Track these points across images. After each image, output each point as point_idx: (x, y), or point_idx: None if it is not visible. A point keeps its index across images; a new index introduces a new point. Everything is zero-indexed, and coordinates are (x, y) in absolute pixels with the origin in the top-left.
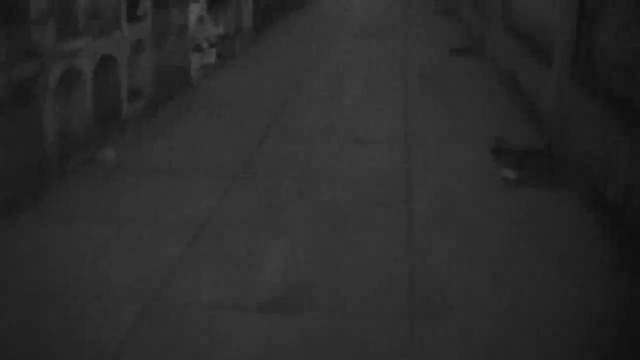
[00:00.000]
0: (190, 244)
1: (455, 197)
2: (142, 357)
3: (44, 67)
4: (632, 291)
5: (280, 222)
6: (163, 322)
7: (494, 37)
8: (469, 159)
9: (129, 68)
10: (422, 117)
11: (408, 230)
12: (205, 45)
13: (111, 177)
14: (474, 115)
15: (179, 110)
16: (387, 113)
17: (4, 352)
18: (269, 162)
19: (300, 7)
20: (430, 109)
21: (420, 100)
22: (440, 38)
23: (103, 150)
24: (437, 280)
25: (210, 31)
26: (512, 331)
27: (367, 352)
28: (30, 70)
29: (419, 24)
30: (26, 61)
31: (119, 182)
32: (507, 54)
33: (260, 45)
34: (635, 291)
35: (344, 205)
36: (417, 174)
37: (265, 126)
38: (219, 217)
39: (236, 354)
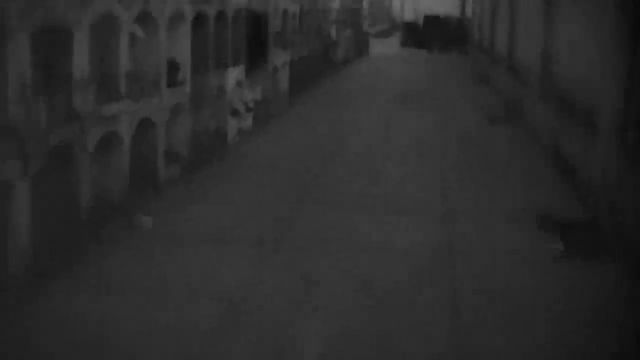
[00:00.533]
0: (227, 317)
1: (501, 272)
2: None
3: (84, 130)
4: None
5: (320, 297)
6: None
7: (531, 104)
8: (513, 232)
9: (166, 132)
10: (462, 187)
11: (452, 310)
12: (242, 109)
13: (147, 244)
14: (515, 186)
15: (215, 174)
16: (427, 182)
17: None
18: (306, 231)
19: (335, 72)
20: (469, 178)
21: (459, 169)
22: (476, 105)
23: (139, 216)
24: None
25: (247, 95)
26: None
27: None
28: (69, 134)
29: (453, 91)
30: (66, 125)
31: (155, 249)
32: (547, 121)
33: (295, 109)
34: None
35: (385, 281)
36: (460, 247)
37: (301, 193)
38: (256, 289)
39: None
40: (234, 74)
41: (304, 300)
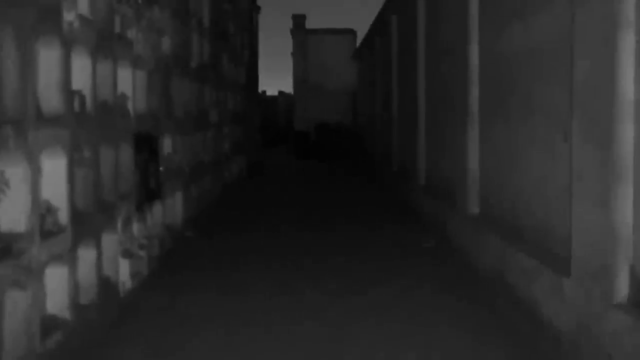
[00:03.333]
0: None
1: None
2: None
3: None
4: None
5: None
6: None
7: (463, 228)
8: None
9: (41, 294)
10: None
11: None
12: (135, 248)
13: None
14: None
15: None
16: None
17: None
18: None
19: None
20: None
21: None
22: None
23: None
24: None
25: (140, 232)
26: None
27: None
28: None
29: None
30: None
31: None
32: (487, 249)
33: (199, 247)
34: None
35: None
36: None
37: None
38: None
39: None
40: (124, 211)
41: None
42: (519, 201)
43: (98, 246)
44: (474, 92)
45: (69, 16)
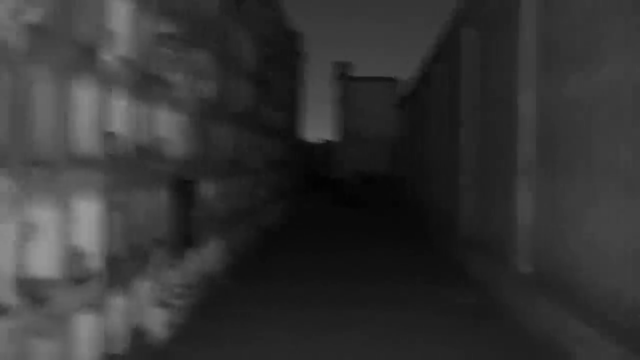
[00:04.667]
0: None
1: None
2: None
3: None
4: None
5: None
6: None
7: (512, 287)
8: None
9: (67, 345)
10: None
11: None
12: (171, 298)
13: None
14: None
15: None
16: None
17: None
18: None
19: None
20: None
21: None
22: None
23: None
24: None
25: (174, 280)
26: None
27: None
28: None
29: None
30: None
31: None
32: (540, 313)
33: (235, 295)
34: None
35: None
36: None
37: None
38: None
39: None
40: (159, 254)
41: None
42: (577, 262)
43: (130, 294)
44: (529, 141)
45: (107, 56)
